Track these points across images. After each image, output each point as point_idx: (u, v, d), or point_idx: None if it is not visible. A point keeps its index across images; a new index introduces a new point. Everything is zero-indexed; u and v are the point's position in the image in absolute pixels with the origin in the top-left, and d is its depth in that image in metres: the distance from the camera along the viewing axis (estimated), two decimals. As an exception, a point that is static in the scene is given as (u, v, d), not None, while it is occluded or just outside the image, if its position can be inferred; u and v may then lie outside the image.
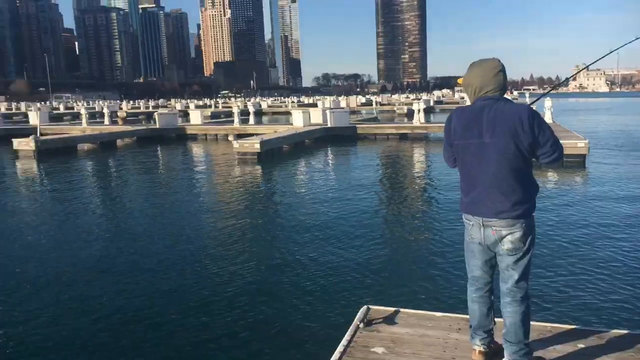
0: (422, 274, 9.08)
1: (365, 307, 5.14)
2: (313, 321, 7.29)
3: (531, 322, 3.99)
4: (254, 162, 25.12)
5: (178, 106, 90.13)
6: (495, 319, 4.16)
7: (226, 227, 12.87)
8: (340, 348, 4.39)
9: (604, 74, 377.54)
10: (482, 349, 4.11)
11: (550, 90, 7.67)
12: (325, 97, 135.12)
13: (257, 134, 31.31)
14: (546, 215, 12.72)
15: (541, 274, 8.68)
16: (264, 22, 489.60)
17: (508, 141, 3.61)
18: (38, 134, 30.64)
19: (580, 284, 8.40)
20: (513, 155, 3.63)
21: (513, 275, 3.82)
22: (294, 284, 8.78)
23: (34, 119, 46.55)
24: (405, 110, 69.33)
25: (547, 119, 31.13)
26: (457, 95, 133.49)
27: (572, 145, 21.33)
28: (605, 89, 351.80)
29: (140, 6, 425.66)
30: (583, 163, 21.60)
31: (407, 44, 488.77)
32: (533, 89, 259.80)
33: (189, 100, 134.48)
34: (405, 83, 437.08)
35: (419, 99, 65.08)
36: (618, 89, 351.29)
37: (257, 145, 25.60)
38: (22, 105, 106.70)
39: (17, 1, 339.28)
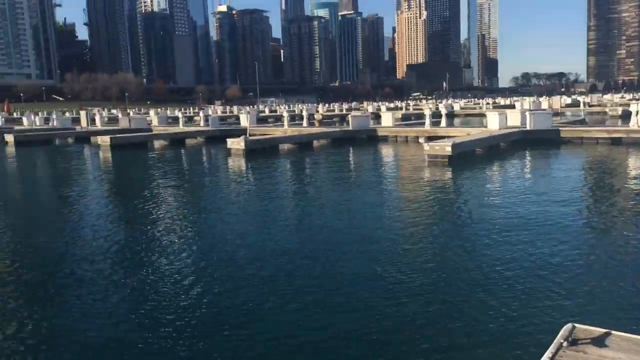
0: (635, 294, 7.96)
1: (569, 325, 4.69)
2: (505, 334, 6.86)
3: None
4: (445, 165, 24.63)
5: (370, 108, 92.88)
6: None
7: (410, 230, 12.83)
8: (539, 365, 4.05)
9: None
10: None
11: None
12: (524, 97, 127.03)
13: (448, 137, 30.64)
14: None
15: None
16: (461, 22, 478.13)
17: None
18: (247, 135, 34.06)
19: None
20: None
21: None
22: (481, 292, 8.35)
23: (244, 121, 51.90)
24: (620, 112, 61.89)
25: None
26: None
27: None
28: None
29: (339, 13, 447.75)
30: None
31: (624, 37, 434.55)
32: None
33: (380, 103, 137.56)
34: (620, 81, 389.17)
35: (638, 99, 57.54)
36: None
37: (449, 148, 25.05)
38: (235, 108, 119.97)
39: (236, 15, 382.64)
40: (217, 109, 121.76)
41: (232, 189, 20.74)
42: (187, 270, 9.92)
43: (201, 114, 68.69)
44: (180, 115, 65.79)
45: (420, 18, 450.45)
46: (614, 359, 4.13)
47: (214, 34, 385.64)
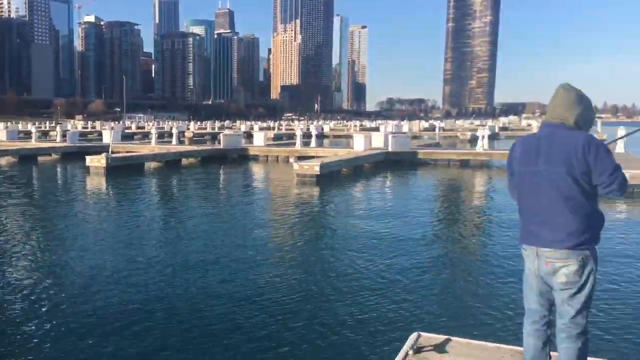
0: (477, 304, 8.62)
1: (415, 333, 4.91)
2: (357, 346, 7.02)
3: (589, 360, 3.66)
4: (313, 183, 25.19)
5: (243, 127, 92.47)
6: (552, 354, 3.86)
7: (275, 244, 12.87)
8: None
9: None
10: (535, 383, 3.82)
11: None
12: (388, 121, 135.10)
13: (317, 157, 31.43)
14: (610, 248, 11.93)
15: (603, 309, 8.06)
16: (333, 47, 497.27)
17: (561, 170, 3.42)
18: (110, 152, 32.06)
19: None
20: (567, 184, 3.42)
21: (569, 311, 3.55)
22: (337, 307, 8.53)
23: (107, 137, 48.94)
24: (469, 136, 68.08)
25: (619, 148, 29.62)
26: (524, 122, 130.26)
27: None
28: None
29: (216, 32, 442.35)
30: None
31: (475, 69, 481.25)
32: (605, 117, 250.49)
33: (253, 122, 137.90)
34: (470, 109, 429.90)
35: (484, 125, 63.78)
36: None
37: (317, 168, 25.67)
38: (97, 124, 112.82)
39: (104, 26, 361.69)
40: (77, 124, 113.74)
41: (87, 208, 19.28)
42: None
43: (58, 128, 63.60)
44: (33, 129, 60.40)
45: (295, 41, 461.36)
46: (452, 364, 4.35)
47: (77, 44, 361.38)
